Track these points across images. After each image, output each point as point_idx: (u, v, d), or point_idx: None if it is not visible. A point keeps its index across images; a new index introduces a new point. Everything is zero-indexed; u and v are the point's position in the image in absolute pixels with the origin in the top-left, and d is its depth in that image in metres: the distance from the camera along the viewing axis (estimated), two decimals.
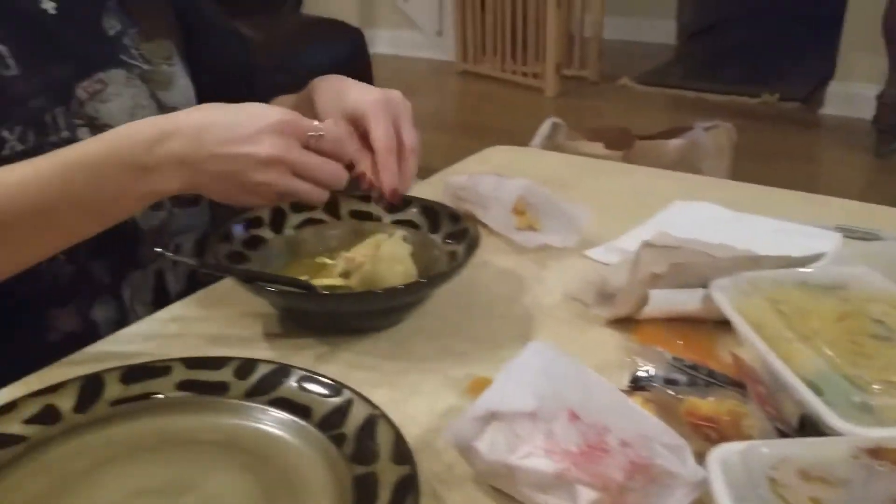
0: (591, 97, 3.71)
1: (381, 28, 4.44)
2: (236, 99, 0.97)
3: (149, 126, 0.64)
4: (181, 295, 0.86)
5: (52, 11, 0.80)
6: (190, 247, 0.87)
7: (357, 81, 0.77)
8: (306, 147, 0.64)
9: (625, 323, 0.69)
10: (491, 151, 1.21)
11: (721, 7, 4.90)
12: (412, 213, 0.81)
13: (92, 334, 0.78)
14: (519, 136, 3.29)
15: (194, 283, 0.88)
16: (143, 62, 0.85)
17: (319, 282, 0.73)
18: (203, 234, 0.89)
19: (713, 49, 4.52)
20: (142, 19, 0.87)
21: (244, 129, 0.62)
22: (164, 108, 0.85)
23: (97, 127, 0.79)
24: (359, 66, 1.88)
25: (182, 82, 0.89)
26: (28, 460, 0.51)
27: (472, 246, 0.72)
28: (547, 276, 0.80)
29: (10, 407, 0.54)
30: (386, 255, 0.72)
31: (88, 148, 0.64)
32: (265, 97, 1.00)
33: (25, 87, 0.74)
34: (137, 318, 0.81)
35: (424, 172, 0.92)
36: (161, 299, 0.84)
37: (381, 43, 4.36)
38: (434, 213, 0.80)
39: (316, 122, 0.64)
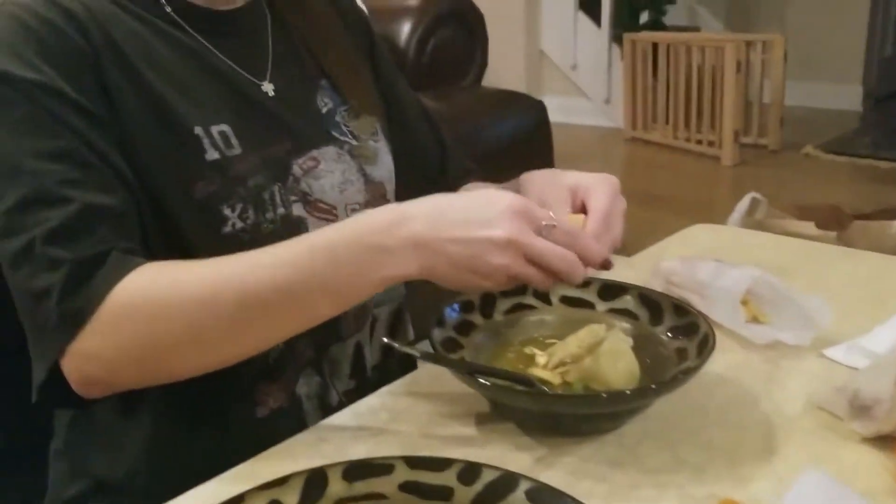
0: (772, 166, 3.53)
1: (550, 95, 4.45)
2: (429, 181, 0.98)
3: (387, 211, 0.65)
4: (378, 367, 0.85)
5: (271, 94, 0.82)
6: (385, 319, 0.87)
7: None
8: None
9: (889, 441, 0.60)
10: (694, 231, 1.14)
11: None
12: (629, 302, 0.76)
13: (297, 410, 0.79)
14: (696, 207, 3.21)
15: (389, 354, 0.87)
16: (352, 138, 0.87)
17: (532, 375, 0.69)
18: (398, 306, 0.89)
19: None
20: (351, 97, 0.89)
21: (481, 213, 0.62)
22: (370, 183, 0.86)
23: (310, 203, 0.80)
24: (540, 138, 1.86)
25: (385, 158, 0.90)
26: None
27: (707, 345, 0.65)
28: (783, 377, 0.72)
29: (238, 501, 0.52)
30: (607, 350, 0.67)
31: (331, 232, 0.65)
32: (455, 182, 1.00)
33: (246, 166, 0.76)
34: (336, 392, 0.82)
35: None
36: (358, 372, 0.84)
37: (551, 111, 4.36)
38: (654, 304, 0.75)
39: (549, 213, 0.63)
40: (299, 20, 0.90)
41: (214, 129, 0.76)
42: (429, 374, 0.75)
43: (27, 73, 0.69)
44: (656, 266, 0.90)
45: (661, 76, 3.81)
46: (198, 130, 0.75)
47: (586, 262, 0.64)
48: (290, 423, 0.77)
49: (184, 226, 0.74)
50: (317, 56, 0.89)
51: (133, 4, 0.78)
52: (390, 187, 0.90)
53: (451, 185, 0.99)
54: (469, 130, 1.71)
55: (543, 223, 0.62)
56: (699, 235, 1.12)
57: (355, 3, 1.00)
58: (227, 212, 0.74)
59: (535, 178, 0.78)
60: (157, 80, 0.75)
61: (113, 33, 0.74)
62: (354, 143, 0.87)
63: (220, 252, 0.70)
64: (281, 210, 0.77)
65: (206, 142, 0.74)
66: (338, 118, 0.88)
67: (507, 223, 0.61)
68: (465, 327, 0.73)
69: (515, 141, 1.76)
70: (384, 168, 0.89)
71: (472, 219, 0.62)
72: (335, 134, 0.86)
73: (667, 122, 3.85)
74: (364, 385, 0.83)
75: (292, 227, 0.78)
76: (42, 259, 0.65)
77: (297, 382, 0.79)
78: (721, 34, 4.10)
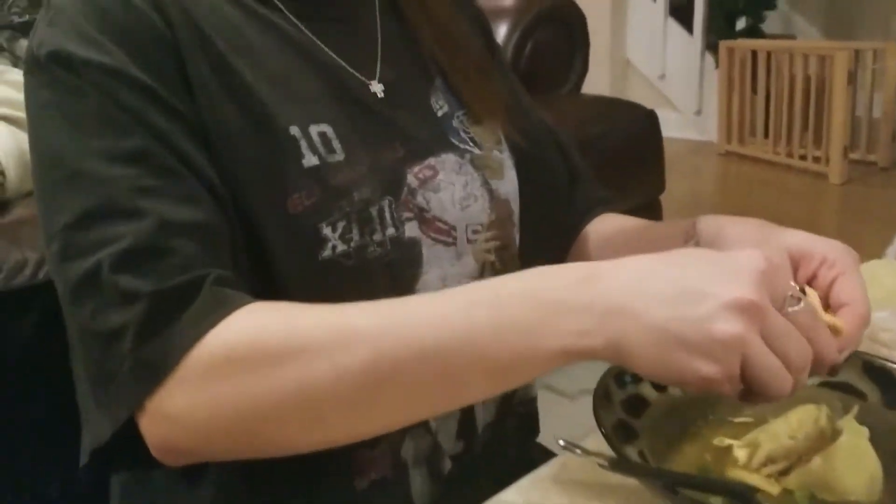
0: (883, 185, 3.26)
1: None
2: (553, 208, 0.80)
3: (574, 267, 0.48)
4: (491, 426, 0.70)
5: (381, 95, 0.67)
6: None
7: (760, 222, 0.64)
8: None
9: None
10: (870, 268, 0.95)
11: None
12: (851, 374, 0.58)
13: (402, 479, 0.65)
14: (802, 227, 2.95)
15: (504, 411, 0.72)
16: (474, 146, 0.71)
17: (734, 476, 0.51)
18: None
19: None
20: (470, 99, 0.73)
21: (708, 270, 0.45)
22: (496, 200, 0.71)
23: (426, 221, 0.65)
24: (652, 149, 1.68)
25: (511, 173, 0.75)
26: None
27: None
28: None
29: None
30: (845, 448, 0.49)
31: (496, 284, 0.50)
32: (586, 214, 0.83)
33: (350, 176, 0.61)
34: (445, 453, 0.67)
35: None
36: (468, 431, 0.69)
37: None
38: (886, 376, 0.57)
39: (793, 283, 0.46)
40: (413, 6, 0.74)
41: (313, 130, 0.61)
42: (575, 463, 0.58)
43: (92, 55, 0.55)
44: None
45: (760, 86, 3.57)
46: (294, 130, 0.60)
47: (818, 362, 0.46)
48: (394, 496, 0.64)
49: (272, 248, 0.59)
50: (432, 50, 0.74)
51: None
52: (516, 208, 0.74)
53: (580, 216, 0.82)
54: (577, 141, 1.54)
55: (788, 294, 0.44)
56: (880, 274, 0.93)
57: None
58: (326, 231, 0.59)
59: (738, 232, 0.62)
60: (246, 70, 0.60)
61: (195, 12, 0.60)
62: (477, 151, 0.72)
63: (315, 281, 0.57)
64: (391, 230, 0.62)
65: (303, 144, 0.60)
66: (455, 123, 0.72)
67: (748, 279, 0.43)
68: (636, 405, 0.56)
69: (625, 152, 1.59)
70: (510, 184, 0.74)
71: (696, 276, 0.44)
72: (454, 141, 0.71)
73: (766, 135, 3.61)
74: (473, 447, 0.68)
75: (404, 251, 0.64)
76: (112, 290, 0.51)
77: (402, 444, 0.64)
78: (828, 42, 3.84)
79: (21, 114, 1.16)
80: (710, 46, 3.93)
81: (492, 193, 0.71)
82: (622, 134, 1.67)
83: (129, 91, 0.55)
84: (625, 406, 0.55)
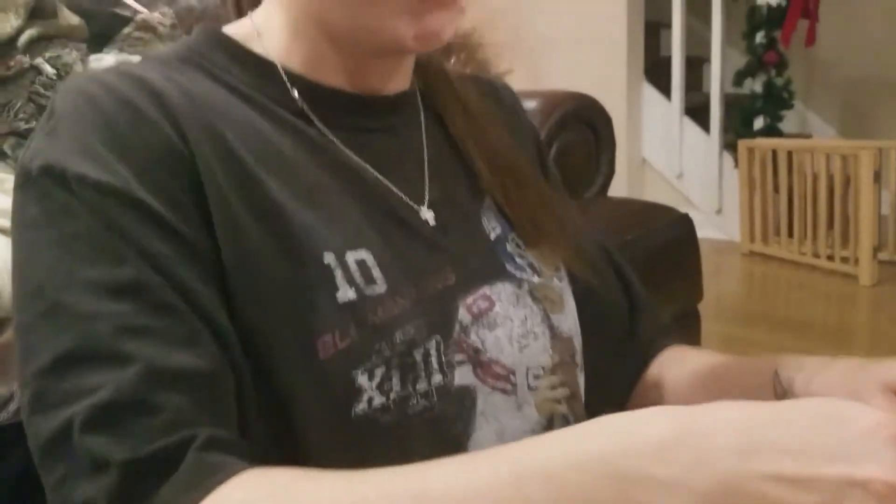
0: None
1: None
2: (612, 342, 0.70)
3: (654, 420, 0.38)
4: None
5: (432, 223, 0.60)
6: None
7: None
8: None
9: None
10: None
11: None
12: None
13: None
14: (835, 333, 2.86)
15: None
16: (533, 273, 0.62)
17: None
18: None
19: None
20: (523, 222, 0.65)
21: (829, 434, 0.35)
22: (557, 338, 0.62)
23: (482, 364, 0.56)
24: (688, 254, 1.60)
25: (571, 304, 0.65)
26: None
27: None
28: None
29: None
30: None
31: (552, 450, 0.39)
32: (648, 347, 0.74)
33: (392, 311, 0.53)
34: None
35: None
36: None
37: None
38: None
39: None
40: (460, 119, 0.67)
41: (351, 257, 0.53)
42: None
43: (90, 170, 0.48)
44: None
45: (781, 185, 3.51)
46: (329, 258, 0.52)
47: None
48: None
49: (295, 401, 0.49)
50: (481, 167, 0.66)
51: (248, 87, 0.56)
52: (579, 346, 0.65)
53: (644, 352, 0.73)
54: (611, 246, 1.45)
55: None
56: None
57: (520, 104, 0.77)
58: (361, 380, 0.50)
59: (830, 382, 0.53)
60: (275, 186, 0.52)
61: (220, 125, 0.52)
62: (536, 279, 0.63)
63: (344, 441, 0.48)
64: (438, 378, 0.53)
65: (338, 274, 0.52)
66: (510, 247, 0.64)
67: (882, 456, 0.34)
68: None
69: (661, 259, 1.50)
70: (571, 318, 0.65)
71: (824, 448, 0.35)
72: (510, 267, 0.62)
73: (790, 234, 3.52)
74: None
75: (453, 403, 0.54)
76: (82, 454, 0.43)
77: None
78: (851, 141, 3.80)
79: None
80: (728, 145, 3.90)
81: (553, 330, 0.62)
82: (657, 239, 1.58)
83: (128, 213, 0.48)
84: None
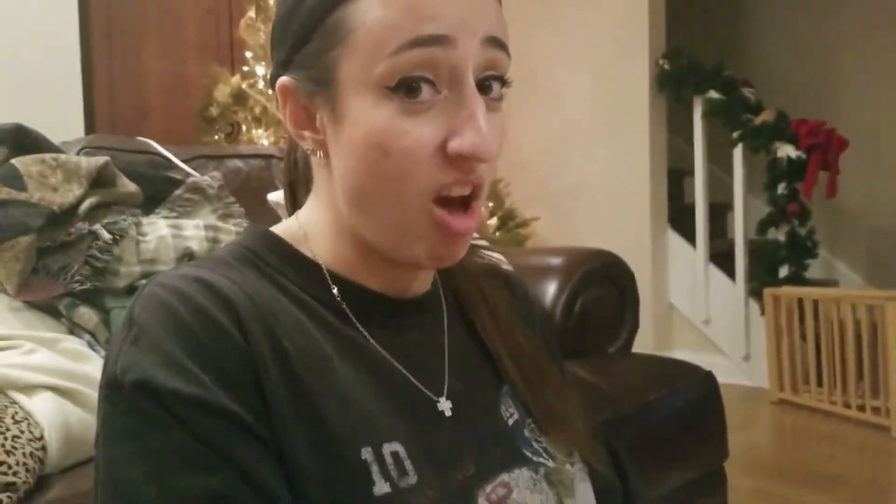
0: None
1: (681, 351, 4.19)
2: None
3: None
4: None
5: (448, 413, 0.64)
6: None
7: None
8: None
9: None
10: None
11: None
12: None
13: None
14: (868, 487, 2.79)
15: None
16: (548, 458, 0.66)
17: None
18: None
19: None
20: (539, 410, 0.70)
21: None
22: None
23: None
24: (712, 413, 1.61)
25: (581, 487, 0.68)
26: None
27: None
28: None
29: None
30: None
31: None
32: None
33: (423, 501, 0.56)
34: None
35: None
36: None
37: None
38: None
39: None
40: (482, 316, 0.73)
41: (386, 450, 0.58)
42: None
43: (180, 385, 0.53)
44: None
45: (809, 333, 3.51)
46: (365, 454, 0.57)
47: None
48: None
49: None
50: (500, 359, 0.71)
51: (296, 286, 0.62)
52: None
53: None
54: (635, 407, 1.48)
55: None
56: None
57: (532, 297, 0.84)
58: None
59: None
60: (317, 387, 0.58)
61: (275, 327, 0.58)
62: (550, 464, 0.67)
63: None
64: None
65: (374, 469, 0.56)
66: (527, 432, 0.68)
67: None
68: None
69: (685, 418, 1.52)
70: (582, 501, 0.68)
71: None
72: (527, 453, 0.66)
73: (819, 384, 3.50)
74: None
75: None
76: None
77: None
78: (876, 291, 3.82)
79: (71, 384, 1.15)
80: (754, 292, 3.93)
81: None
82: (681, 399, 1.60)
83: (215, 423, 0.53)
84: None
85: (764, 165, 3.89)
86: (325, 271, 0.66)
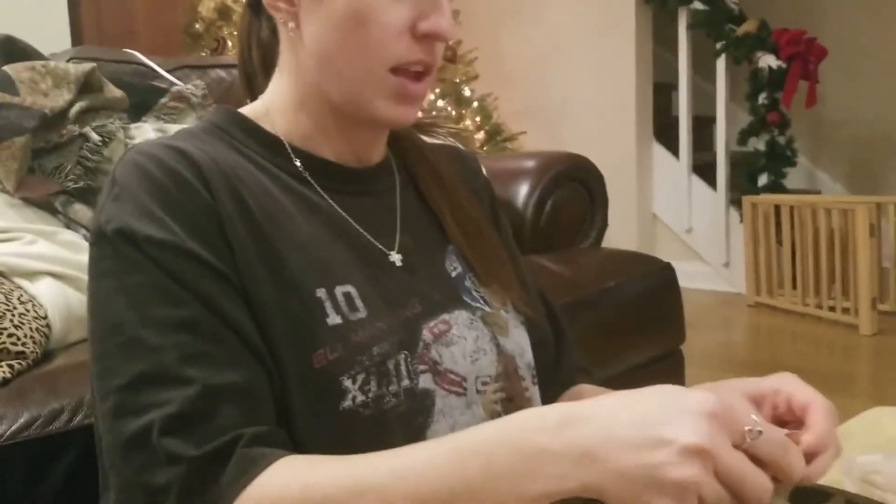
0: None
1: (664, 259, 4.31)
2: (540, 370, 0.84)
3: (551, 410, 0.53)
4: None
5: (399, 264, 0.75)
6: None
7: None
8: (736, 447, 0.48)
9: None
10: (875, 415, 0.96)
11: None
12: None
13: None
14: (835, 380, 2.94)
15: None
16: (485, 304, 0.77)
17: None
18: None
19: None
20: (478, 265, 0.80)
21: (666, 413, 0.49)
22: (502, 354, 0.77)
23: (439, 373, 0.70)
24: (669, 301, 1.73)
25: (515, 332, 0.80)
26: None
27: None
28: None
29: None
30: None
31: (482, 432, 0.54)
32: (567, 379, 0.88)
33: (371, 332, 0.68)
34: None
35: None
36: None
37: None
38: None
39: (754, 416, 0.49)
40: (429, 183, 0.83)
41: (338, 291, 0.68)
42: None
43: (153, 231, 0.63)
44: (847, 461, 0.74)
45: (785, 239, 3.63)
46: (320, 293, 0.67)
47: (789, 480, 0.50)
48: None
49: (295, 399, 0.65)
50: (445, 221, 0.82)
51: (259, 156, 0.72)
52: (521, 363, 0.79)
53: (562, 383, 0.87)
54: (594, 293, 1.60)
55: (747, 428, 0.48)
56: (883, 421, 0.95)
57: (481, 169, 0.94)
58: (347, 383, 0.65)
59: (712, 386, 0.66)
60: (280, 240, 0.68)
61: (239, 187, 0.68)
62: (487, 309, 0.78)
63: (337, 431, 0.62)
64: (406, 382, 0.68)
65: (328, 305, 0.67)
66: (468, 283, 0.79)
67: (699, 425, 0.47)
68: None
69: (643, 304, 1.63)
70: (514, 341, 0.79)
71: (654, 421, 0.48)
72: (466, 299, 0.78)
73: (794, 287, 3.63)
74: None
75: (417, 401, 0.69)
76: (160, 451, 0.58)
77: None
78: (850, 196, 3.93)
79: (70, 271, 1.25)
80: (734, 202, 4.03)
81: (499, 348, 0.77)
82: (640, 286, 1.72)
83: (183, 263, 0.63)
84: None
85: (747, 76, 3.94)
86: (287, 144, 0.75)
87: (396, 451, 0.56)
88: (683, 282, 4.24)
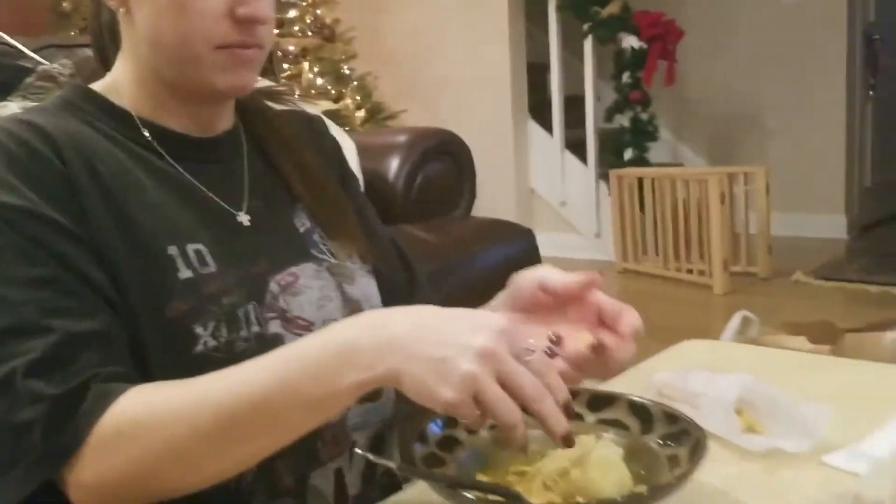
0: (763, 294, 3.55)
1: (542, 231, 4.49)
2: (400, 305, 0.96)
3: (366, 314, 0.63)
4: (360, 497, 0.81)
5: (247, 223, 0.82)
6: (364, 443, 0.83)
7: None
8: (516, 360, 0.59)
9: None
10: (686, 346, 1.12)
11: (894, 199, 4.69)
12: (618, 412, 0.73)
13: None
14: (692, 334, 3.17)
15: (370, 484, 0.83)
16: (330, 256, 0.86)
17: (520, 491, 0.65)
18: (378, 431, 0.85)
19: (891, 240, 4.28)
20: (324, 222, 0.89)
21: (464, 322, 0.60)
22: (348, 301, 0.85)
23: (288, 319, 0.78)
24: (530, 264, 1.86)
25: (362, 280, 0.89)
26: None
27: (699, 449, 0.62)
28: (783, 487, 0.68)
29: None
30: (596, 461, 0.64)
31: (306, 340, 0.63)
32: None
33: (221, 284, 0.75)
34: None
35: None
36: (341, 502, 0.79)
37: (542, 245, 4.39)
38: (645, 412, 0.72)
39: (532, 340, 0.61)
40: (274, 146, 0.90)
41: (190, 248, 0.75)
42: (413, 496, 0.71)
43: (10, 199, 0.69)
44: (648, 380, 0.88)
45: (647, 209, 3.88)
46: (172, 250, 0.74)
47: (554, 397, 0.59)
48: None
49: (152, 346, 0.72)
50: (291, 181, 0.89)
51: (110, 129, 0.78)
52: (367, 307, 0.88)
53: None
54: (461, 259, 1.72)
55: (524, 347, 0.59)
56: (692, 350, 1.10)
57: (328, 130, 1.02)
58: (199, 330, 0.72)
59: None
60: (132, 204, 0.74)
61: (90, 156, 0.74)
62: (333, 260, 0.86)
63: (191, 373, 0.68)
64: (255, 328, 0.75)
65: (179, 261, 0.74)
66: (316, 237, 0.87)
67: (488, 333, 0.58)
68: (448, 443, 0.70)
69: (506, 268, 1.75)
70: (359, 288, 0.88)
71: (453, 326, 0.59)
72: (314, 252, 0.85)
73: (657, 253, 3.89)
74: None
75: (268, 345, 0.75)
76: (23, 393, 0.64)
77: None
78: (704, 168, 4.22)
79: None
80: (603, 175, 4.26)
81: (344, 295, 0.85)
82: (503, 250, 1.85)
83: (38, 226, 0.69)
84: (439, 444, 0.69)
85: (612, 56, 4.16)
86: (136, 117, 0.81)
87: (237, 366, 0.65)
88: (560, 252, 4.48)
